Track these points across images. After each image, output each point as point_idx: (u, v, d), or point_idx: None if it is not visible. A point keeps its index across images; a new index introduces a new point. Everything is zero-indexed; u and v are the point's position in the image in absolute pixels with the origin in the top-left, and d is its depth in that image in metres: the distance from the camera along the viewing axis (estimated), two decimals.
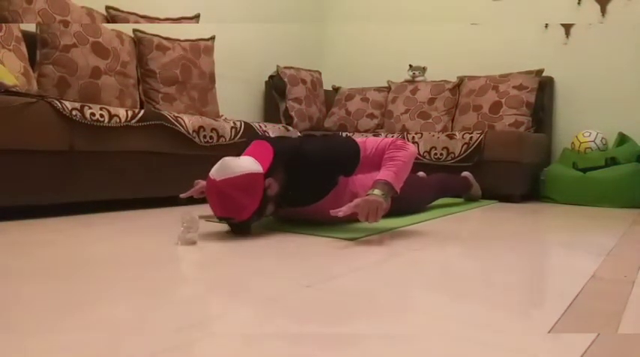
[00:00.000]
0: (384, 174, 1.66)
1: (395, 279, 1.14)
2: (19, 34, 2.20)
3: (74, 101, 2.07)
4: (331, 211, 1.57)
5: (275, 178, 1.62)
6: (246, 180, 1.52)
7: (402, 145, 1.73)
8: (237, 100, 3.75)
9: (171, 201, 2.27)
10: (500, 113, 3.34)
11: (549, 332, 0.82)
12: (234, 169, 1.52)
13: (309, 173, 1.69)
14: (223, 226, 1.80)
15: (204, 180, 1.88)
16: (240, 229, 1.64)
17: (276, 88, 3.83)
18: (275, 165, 1.62)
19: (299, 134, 2.97)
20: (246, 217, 1.56)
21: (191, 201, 2.02)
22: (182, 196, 1.96)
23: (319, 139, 1.91)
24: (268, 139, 1.78)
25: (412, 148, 1.75)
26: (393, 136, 2.06)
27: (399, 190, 1.67)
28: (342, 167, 1.75)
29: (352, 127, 3.87)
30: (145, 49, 2.75)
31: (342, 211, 1.55)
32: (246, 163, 1.55)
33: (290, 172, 1.68)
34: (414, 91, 3.76)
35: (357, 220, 1.79)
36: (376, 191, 1.61)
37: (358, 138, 1.82)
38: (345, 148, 1.76)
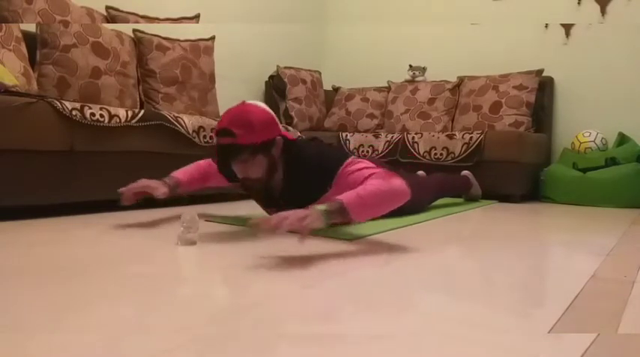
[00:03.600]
0: (346, 195, 1.42)
1: (395, 279, 1.14)
2: (19, 34, 2.20)
3: (74, 101, 2.06)
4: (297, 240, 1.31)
5: (279, 161, 1.65)
6: (268, 116, 1.59)
7: (386, 176, 1.50)
8: (237, 100, 3.68)
9: (172, 201, 2.27)
10: (500, 113, 3.34)
11: (549, 332, 0.82)
12: (262, 104, 1.62)
13: (299, 175, 1.68)
14: (223, 226, 1.80)
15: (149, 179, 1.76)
16: (228, 159, 1.56)
17: (276, 88, 3.83)
18: (287, 147, 1.65)
19: (299, 134, 2.96)
20: (245, 141, 1.50)
21: (191, 201, 2.02)
22: (121, 190, 1.70)
23: (317, 145, 1.84)
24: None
25: (398, 184, 1.49)
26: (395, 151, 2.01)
27: (355, 218, 1.40)
28: (324, 177, 1.65)
29: (352, 127, 3.87)
30: (145, 49, 2.75)
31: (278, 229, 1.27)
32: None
33: (286, 167, 1.68)
34: (414, 91, 3.76)
35: (355, 223, 1.61)
36: (319, 207, 1.35)
37: (361, 160, 1.65)
38: (328, 163, 1.66)
